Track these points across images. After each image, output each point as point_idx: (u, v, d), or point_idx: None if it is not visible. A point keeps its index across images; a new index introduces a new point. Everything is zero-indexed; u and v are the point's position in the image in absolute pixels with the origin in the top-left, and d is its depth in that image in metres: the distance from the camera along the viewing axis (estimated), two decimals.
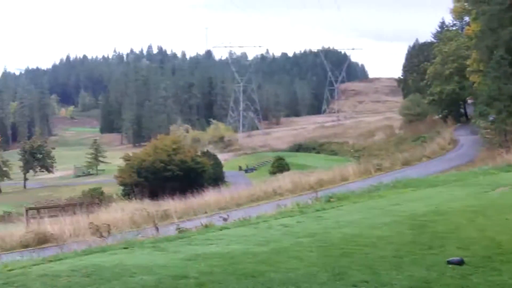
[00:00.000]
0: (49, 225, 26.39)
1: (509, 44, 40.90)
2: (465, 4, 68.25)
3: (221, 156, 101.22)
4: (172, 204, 32.91)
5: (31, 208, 34.66)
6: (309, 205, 15.37)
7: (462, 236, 8.88)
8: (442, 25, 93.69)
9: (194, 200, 34.70)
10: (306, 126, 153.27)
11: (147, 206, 34.00)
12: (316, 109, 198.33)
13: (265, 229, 10.88)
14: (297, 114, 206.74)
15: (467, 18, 75.50)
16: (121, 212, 30.71)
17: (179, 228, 13.48)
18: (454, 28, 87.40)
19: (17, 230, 26.80)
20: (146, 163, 54.86)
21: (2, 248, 23.14)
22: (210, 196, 35.82)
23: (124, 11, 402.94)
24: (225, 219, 14.83)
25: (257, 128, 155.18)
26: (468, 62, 67.73)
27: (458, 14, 76.72)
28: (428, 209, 11.48)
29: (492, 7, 42.69)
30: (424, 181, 20.43)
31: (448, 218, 10.21)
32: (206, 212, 31.43)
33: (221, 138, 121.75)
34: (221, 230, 11.48)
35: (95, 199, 45.60)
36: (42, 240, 24.05)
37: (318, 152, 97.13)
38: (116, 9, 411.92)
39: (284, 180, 40.94)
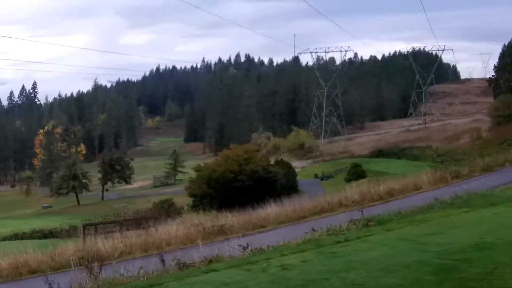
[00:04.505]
0: (101, 242, 25.94)
1: None
2: None
3: (299, 164, 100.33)
4: (230, 218, 31.88)
5: (88, 225, 34.40)
6: (337, 232, 13.77)
7: (494, 286, 7.10)
8: None
9: (254, 214, 33.50)
10: (390, 131, 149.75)
11: (207, 220, 33.18)
12: (403, 113, 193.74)
13: (257, 273, 9.47)
14: (383, 118, 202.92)
15: None
16: (177, 227, 29.93)
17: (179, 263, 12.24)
18: None
19: (72, 247, 26.55)
20: (216, 173, 54.21)
21: (50, 267, 22.77)
22: (271, 209, 34.44)
23: (211, 21, 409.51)
24: (244, 248, 13.53)
25: (340, 134, 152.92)
26: None
27: None
28: (470, 240, 9.66)
29: None
30: (487, 197, 18.37)
31: (489, 256, 8.37)
32: (264, 227, 30.29)
33: (301, 145, 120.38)
34: (207, 273, 10.14)
35: (160, 212, 45.21)
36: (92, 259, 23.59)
37: (399, 158, 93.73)
38: (205, 17, 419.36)
39: (351, 190, 38.98)
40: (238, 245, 13.98)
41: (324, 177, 78.46)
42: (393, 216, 15.09)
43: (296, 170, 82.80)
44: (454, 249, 8.93)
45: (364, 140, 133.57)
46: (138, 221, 34.01)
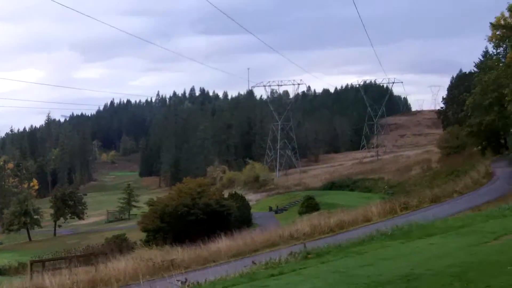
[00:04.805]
0: (48, 279, 25.65)
1: None
2: (504, 30, 65.78)
3: (254, 196, 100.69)
4: (180, 253, 31.89)
5: (35, 261, 33.91)
6: (275, 265, 14.03)
7: None
8: (486, 54, 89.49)
9: (205, 248, 33.58)
10: (344, 163, 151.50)
11: (159, 255, 33.09)
12: (356, 145, 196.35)
13: None
14: (336, 150, 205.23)
15: None
16: (127, 262, 29.75)
17: None
18: (495, 57, 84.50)
19: (17, 285, 26.23)
20: (169, 208, 54.08)
21: None
22: (223, 242, 34.57)
23: (165, 55, 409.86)
24: (183, 283, 13.66)
25: (295, 167, 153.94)
26: (506, 91, 65.20)
27: (495, 42, 74.20)
28: (400, 272, 9.73)
29: None
30: (426, 227, 18.81)
31: (416, 287, 8.55)
32: (214, 261, 30.35)
33: (256, 178, 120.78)
34: None
35: (113, 247, 44.79)
36: None
37: (351, 190, 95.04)
38: (159, 51, 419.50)
39: (302, 223, 39.45)
40: (177, 280, 14.15)
41: (278, 210, 78.83)
42: (332, 249, 15.34)
43: (251, 203, 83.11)
44: (383, 280, 8.98)
45: (318, 172, 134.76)
46: (88, 257, 33.60)
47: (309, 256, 14.58)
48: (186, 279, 13.76)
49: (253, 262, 15.45)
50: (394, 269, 10.11)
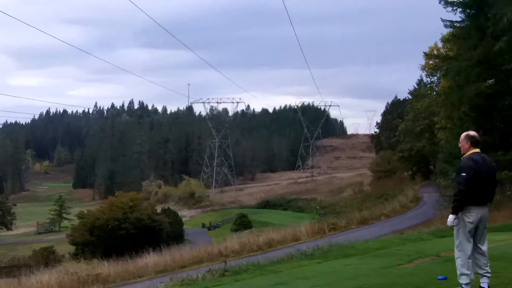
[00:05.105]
0: None
1: (473, 100, 40.43)
2: (436, 60, 68.15)
3: (189, 213, 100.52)
4: (106, 267, 31.77)
5: None
6: (191, 282, 14.31)
7: None
8: (420, 82, 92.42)
9: (133, 263, 33.55)
10: (280, 182, 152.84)
11: (86, 269, 32.90)
12: (292, 165, 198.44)
13: None
14: (273, 170, 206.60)
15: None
16: (51, 275, 29.45)
17: None
18: (429, 85, 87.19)
19: None
20: (100, 221, 53.58)
21: None
22: (151, 258, 34.61)
23: (106, 67, 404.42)
24: None
25: (231, 184, 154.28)
26: (436, 119, 67.51)
27: (428, 70, 76.72)
28: None
29: (460, 63, 42.46)
30: (346, 248, 19.11)
31: None
32: (140, 277, 30.40)
33: (192, 194, 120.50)
34: None
35: (39, 260, 44.13)
36: None
37: (285, 209, 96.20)
38: (99, 63, 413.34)
39: (232, 240, 39.86)
40: None
41: (211, 227, 78.98)
42: (250, 266, 15.59)
43: (185, 219, 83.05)
44: None
45: (254, 191, 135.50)
46: (11, 269, 33.03)
47: (226, 273, 14.79)
48: None
49: (171, 279, 15.73)
50: None
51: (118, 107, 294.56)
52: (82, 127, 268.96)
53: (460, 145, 8.18)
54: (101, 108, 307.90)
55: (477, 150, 7.94)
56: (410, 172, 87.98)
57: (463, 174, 7.61)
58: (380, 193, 79.61)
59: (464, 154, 8.01)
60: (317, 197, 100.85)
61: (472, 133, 8.16)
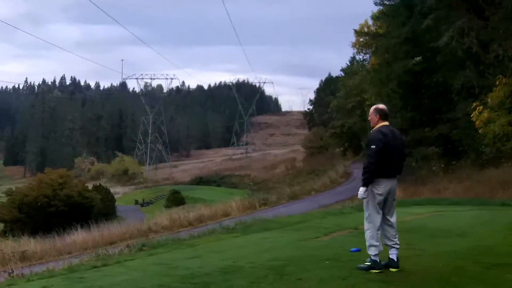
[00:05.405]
0: None
1: (401, 77, 41.35)
2: (366, 37, 68.96)
3: (122, 189, 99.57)
4: (33, 244, 31.24)
5: None
6: (107, 257, 14.11)
7: None
8: (352, 59, 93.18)
9: (61, 240, 33.12)
10: (214, 159, 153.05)
11: (13, 246, 32.21)
12: (227, 142, 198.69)
13: None
14: (208, 146, 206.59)
15: None
16: None
17: None
18: (361, 63, 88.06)
19: None
20: (28, 198, 52.54)
21: None
22: (79, 235, 34.23)
23: (36, 42, 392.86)
24: (9, 274, 13.50)
25: (165, 161, 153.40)
26: (367, 96, 68.47)
27: (359, 48, 77.52)
28: (222, 264, 9.64)
29: (389, 40, 43.28)
30: (267, 222, 19.10)
31: (228, 279, 8.41)
32: (69, 253, 30.06)
33: (125, 171, 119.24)
34: None
35: None
36: None
37: (218, 185, 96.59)
38: (29, 38, 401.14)
39: (161, 216, 39.83)
40: (3, 271, 14.01)
41: (144, 203, 78.51)
42: (169, 241, 15.49)
43: (118, 196, 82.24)
44: (201, 273, 8.91)
45: (188, 168, 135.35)
46: None
47: (144, 248, 14.67)
48: (12, 270, 13.68)
49: (91, 255, 15.60)
50: (218, 261, 10.06)
51: (50, 83, 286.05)
52: (12, 103, 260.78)
53: (369, 118, 8.19)
54: (32, 84, 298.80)
55: (386, 123, 8.01)
56: (342, 148, 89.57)
57: (373, 146, 7.68)
58: (312, 169, 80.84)
59: (374, 127, 8.05)
60: (250, 174, 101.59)
61: (381, 106, 8.21)
